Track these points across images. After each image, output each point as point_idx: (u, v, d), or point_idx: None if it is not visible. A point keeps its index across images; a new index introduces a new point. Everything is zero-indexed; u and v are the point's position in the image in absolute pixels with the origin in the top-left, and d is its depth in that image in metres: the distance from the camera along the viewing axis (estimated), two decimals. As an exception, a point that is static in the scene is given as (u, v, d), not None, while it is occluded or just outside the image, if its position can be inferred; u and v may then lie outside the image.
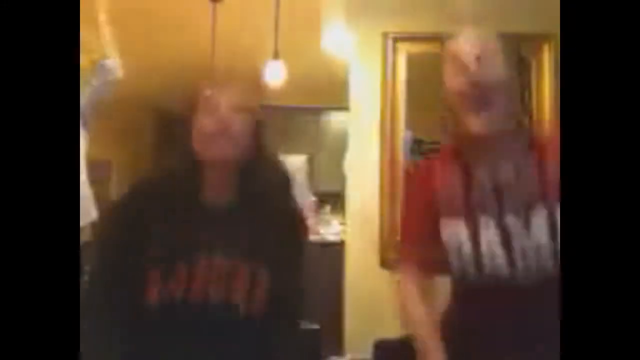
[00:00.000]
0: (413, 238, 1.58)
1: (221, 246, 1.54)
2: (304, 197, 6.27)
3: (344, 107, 3.29)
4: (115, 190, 7.19)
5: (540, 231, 1.41)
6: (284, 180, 1.66)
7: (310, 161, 6.53)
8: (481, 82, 1.41)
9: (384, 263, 2.94)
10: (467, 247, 1.44)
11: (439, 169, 1.54)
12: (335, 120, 6.40)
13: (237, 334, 1.53)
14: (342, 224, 5.26)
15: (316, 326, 2.84)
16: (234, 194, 1.60)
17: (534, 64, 2.97)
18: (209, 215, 1.57)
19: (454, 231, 1.46)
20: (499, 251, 1.42)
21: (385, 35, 3.04)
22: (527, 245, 1.41)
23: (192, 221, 1.55)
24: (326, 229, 5.79)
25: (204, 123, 1.55)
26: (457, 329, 1.49)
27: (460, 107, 1.45)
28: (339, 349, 4.45)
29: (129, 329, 1.51)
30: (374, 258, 2.99)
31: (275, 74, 4.24)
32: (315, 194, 6.33)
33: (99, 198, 3.03)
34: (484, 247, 1.43)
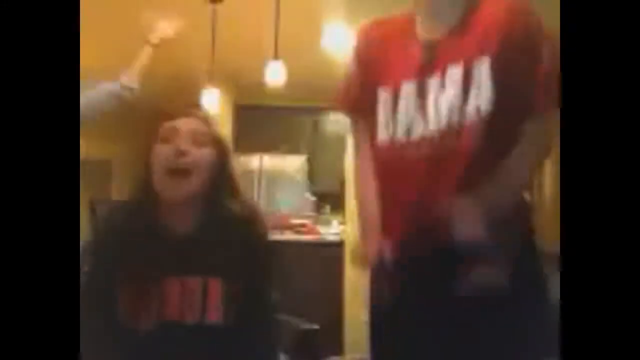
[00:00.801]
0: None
1: (189, 267, 1.55)
2: (304, 198, 6.28)
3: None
4: (116, 190, 7.20)
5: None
6: (249, 213, 1.64)
7: (310, 161, 6.52)
8: None
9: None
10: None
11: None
12: (334, 120, 6.40)
13: (211, 348, 1.54)
14: (342, 224, 5.26)
15: (316, 326, 2.84)
16: (197, 222, 1.59)
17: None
18: (172, 240, 1.57)
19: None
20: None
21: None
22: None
23: (156, 248, 1.55)
24: (326, 229, 5.78)
25: (163, 156, 1.54)
26: None
27: None
28: (339, 349, 4.46)
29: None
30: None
31: (275, 74, 4.23)
32: (315, 194, 6.33)
33: (100, 198, 3.05)
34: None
